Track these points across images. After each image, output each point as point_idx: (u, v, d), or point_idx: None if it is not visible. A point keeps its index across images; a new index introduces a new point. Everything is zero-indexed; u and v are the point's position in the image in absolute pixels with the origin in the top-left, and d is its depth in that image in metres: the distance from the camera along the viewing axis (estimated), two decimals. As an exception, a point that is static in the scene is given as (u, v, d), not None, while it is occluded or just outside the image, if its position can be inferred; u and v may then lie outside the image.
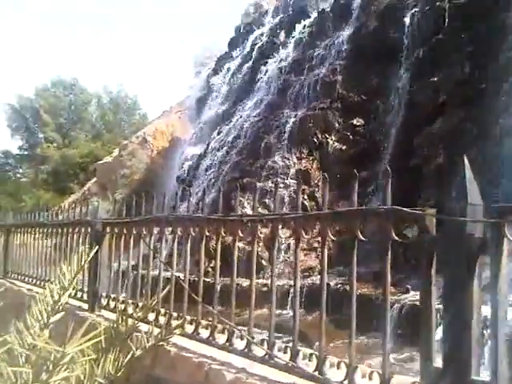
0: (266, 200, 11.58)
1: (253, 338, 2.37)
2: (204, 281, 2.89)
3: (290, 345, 2.20)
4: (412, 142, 10.24)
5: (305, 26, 16.40)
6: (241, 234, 2.65)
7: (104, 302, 3.83)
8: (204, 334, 2.72)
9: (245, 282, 7.35)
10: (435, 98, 10.16)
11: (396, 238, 1.76)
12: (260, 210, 2.90)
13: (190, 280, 2.95)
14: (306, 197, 11.85)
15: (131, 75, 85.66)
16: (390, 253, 1.79)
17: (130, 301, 3.51)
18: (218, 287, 2.79)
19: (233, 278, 2.67)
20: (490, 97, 9.02)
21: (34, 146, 41.02)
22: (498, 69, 9.16)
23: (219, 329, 2.62)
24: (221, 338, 2.61)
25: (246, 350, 2.40)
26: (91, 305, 3.93)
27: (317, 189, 11.63)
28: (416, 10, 12.14)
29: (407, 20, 12.12)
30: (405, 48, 11.85)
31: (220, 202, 2.92)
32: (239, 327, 2.50)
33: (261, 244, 9.04)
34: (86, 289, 4.12)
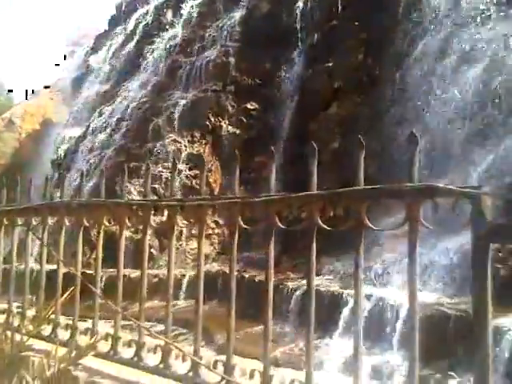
0: (156, 185, 10.85)
1: (201, 358, 1.82)
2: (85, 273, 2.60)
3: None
4: (307, 127, 10.10)
5: (193, 5, 15.71)
6: (128, 223, 2.20)
7: (-24, 312, 3.00)
8: (126, 353, 2.10)
9: (133, 273, 6.69)
10: (330, 84, 10.11)
11: (424, 222, 1.33)
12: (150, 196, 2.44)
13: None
14: (198, 181, 11.28)
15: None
16: (418, 240, 1.35)
17: (16, 309, 2.76)
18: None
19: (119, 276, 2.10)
20: (384, 84, 9.15)
21: None
22: (391, 57, 9.32)
23: (149, 347, 2.02)
24: (150, 358, 2.02)
25: (190, 373, 1.84)
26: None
27: (210, 173, 11.14)
28: (309, -5, 12.05)
29: (300, 4, 12.00)
30: (298, 33, 11.70)
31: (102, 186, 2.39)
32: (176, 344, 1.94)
33: (150, 232, 8.41)
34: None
